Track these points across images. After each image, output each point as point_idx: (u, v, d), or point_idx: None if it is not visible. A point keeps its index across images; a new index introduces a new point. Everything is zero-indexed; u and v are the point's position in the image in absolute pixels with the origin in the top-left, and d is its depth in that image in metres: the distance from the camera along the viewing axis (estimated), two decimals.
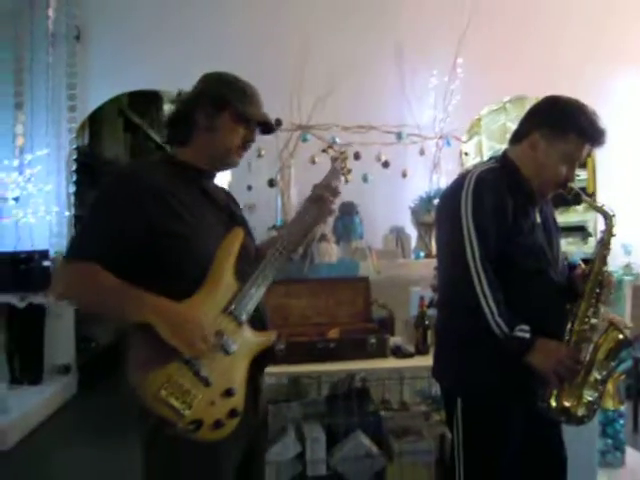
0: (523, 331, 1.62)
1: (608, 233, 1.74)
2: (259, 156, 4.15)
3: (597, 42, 4.89)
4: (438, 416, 3.37)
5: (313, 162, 4.35)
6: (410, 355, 2.70)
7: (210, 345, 1.36)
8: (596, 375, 1.70)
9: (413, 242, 4.36)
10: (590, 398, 1.70)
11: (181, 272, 1.43)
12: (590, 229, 5.52)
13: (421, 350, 2.72)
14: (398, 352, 2.71)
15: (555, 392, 1.68)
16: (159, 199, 1.41)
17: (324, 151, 1.83)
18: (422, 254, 4.14)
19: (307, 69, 4.17)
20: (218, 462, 1.45)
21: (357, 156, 4.15)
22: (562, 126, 1.71)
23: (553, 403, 1.68)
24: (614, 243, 1.77)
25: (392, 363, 2.67)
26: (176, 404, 1.32)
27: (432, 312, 2.93)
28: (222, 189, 1.71)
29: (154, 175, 1.46)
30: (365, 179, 4.26)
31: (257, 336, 1.50)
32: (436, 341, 1.90)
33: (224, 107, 1.52)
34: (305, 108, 4.16)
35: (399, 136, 4.34)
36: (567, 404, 1.68)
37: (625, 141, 4.80)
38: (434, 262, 3.64)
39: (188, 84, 1.60)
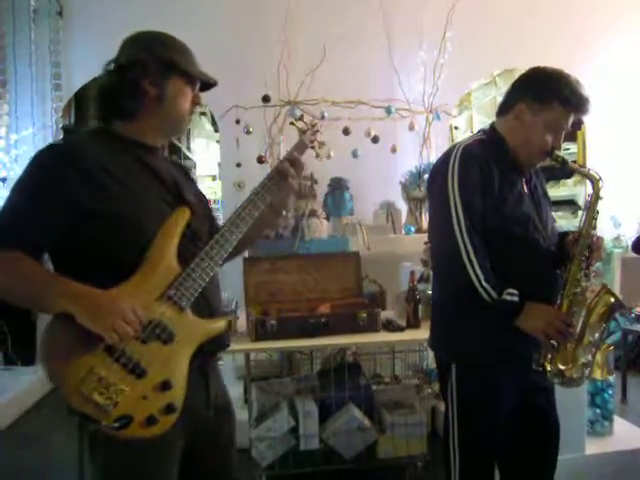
0: (511, 295, 1.65)
1: (595, 196, 1.75)
2: (247, 132, 4.11)
3: (589, 14, 4.85)
4: (430, 389, 3.41)
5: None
6: (401, 329, 2.71)
7: (134, 331, 1.21)
8: (590, 338, 1.72)
9: (403, 217, 4.36)
10: (584, 360, 1.72)
11: (119, 256, 1.30)
12: (579, 203, 5.54)
13: (412, 324, 2.73)
14: (389, 326, 2.72)
15: (549, 355, 1.70)
16: (93, 179, 1.28)
17: (292, 124, 1.76)
18: (412, 229, 4.15)
19: (294, 44, 4.12)
20: (160, 458, 1.35)
21: (346, 131, 4.13)
22: (546, 95, 1.73)
23: (548, 367, 1.70)
24: (603, 215, 1.78)
25: (383, 337, 2.68)
26: (100, 400, 1.20)
27: (423, 286, 2.95)
28: (171, 163, 1.58)
29: (88, 152, 1.32)
30: (355, 154, 4.23)
31: (203, 323, 1.37)
32: (431, 311, 1.92)
33: (171, 71, 1.41)
34: (293, 83, 4.12)
35: (388, 111, 4.31)
36: (562, 367, 1.70)
37: (615, 114, 4.79)
38: (424, 237, 3.67)
39: None
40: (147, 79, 1.39)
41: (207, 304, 1.41)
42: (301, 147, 1.62)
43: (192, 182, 1.61)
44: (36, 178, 1.30)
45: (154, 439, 1.27)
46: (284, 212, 1.85)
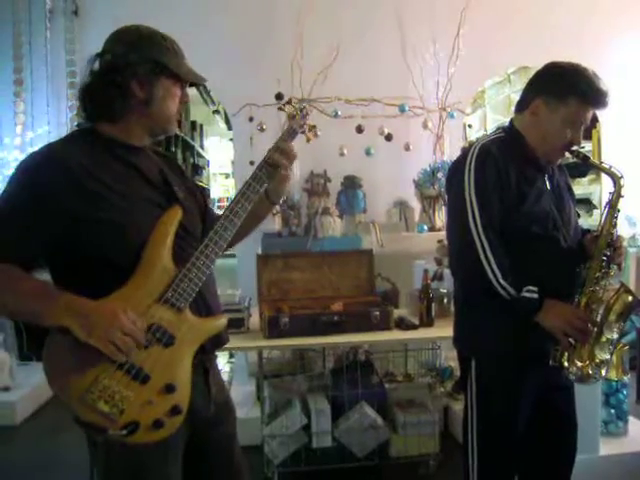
0: (531, 292, 1.65)
1: (616, 194, 1.74)
2: (261, 130, 4.11)
3: (606, 12, 4.80)
4: (442, 388, 3.40)
5: (315, 135, 4.31)
6: (414, 327, 2.71)
7: (135, 342, 1.21)
8: (607, 335, 1.71)
9: (417, 215, 4.35)
10: (602, 358, 1.71)
11: (114, 261, 1.29)
12: (595, 201, 5.49)
13: (425, 322, 2.73)
14: (402, 324, 2.72)
15: (567, 353, 1.69)
16: (80, 185, 1.26)
17: (280, 109, 1.68)
18: (426, 227, 4.14)
19: (307, 42, 4.12)
20: (164, 461, 1.35)
21: (360, 129, 4.12)
22: (562, 90, 1.71)
23: (565, 363, 1.70)
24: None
25: (396, 335, 2.68)
26: (105, 409, 1.19)
27: (436, 284, 2.95)
28: (161, 157, 1.53)
29: (74, 157, 1.29)
30: (368, 152, 4.23)
31: (202, 323, 1.36)
32: (454, 309, 1.94)
33: (160, 72, 1.37)
34: (306, 81, 4.12)
35: (402, 109, 4.30)
36: (579, 364, 1.70)
37: (630, 113, 4.75)
38: (438, 235, 3.67)
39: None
40: (135, 81, 1.35)
41: (204, 302, 1.40)
42: (291, 133, 1.56)
43: (183, 175, 1.58)
44: (23, 189, 1.27)
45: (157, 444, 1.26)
46: (280, 201, 1.79)
